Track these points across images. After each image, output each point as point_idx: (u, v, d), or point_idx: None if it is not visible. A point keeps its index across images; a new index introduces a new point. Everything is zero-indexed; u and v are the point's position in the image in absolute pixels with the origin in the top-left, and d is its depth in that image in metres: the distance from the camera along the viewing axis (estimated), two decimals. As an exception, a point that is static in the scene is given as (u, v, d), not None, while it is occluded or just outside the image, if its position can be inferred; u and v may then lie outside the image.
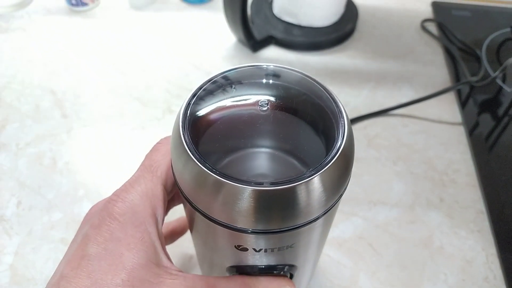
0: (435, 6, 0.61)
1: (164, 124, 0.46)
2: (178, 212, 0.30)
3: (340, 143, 0.19)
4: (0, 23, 0.59)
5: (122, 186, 0.22)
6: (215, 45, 0.56)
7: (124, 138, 0.45)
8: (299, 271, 0.26)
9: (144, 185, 0.22)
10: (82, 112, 0.47)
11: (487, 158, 0.41)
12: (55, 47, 0.56)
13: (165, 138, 0.25)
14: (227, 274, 0.25)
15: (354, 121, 0.46)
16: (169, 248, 0.37)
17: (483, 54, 0.52)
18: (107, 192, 0.39)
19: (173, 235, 0.32)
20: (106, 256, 0.20)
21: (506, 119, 0.45)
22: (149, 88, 0.50)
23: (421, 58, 0.54)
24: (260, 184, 0.18)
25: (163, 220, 0.24)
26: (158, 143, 0.25)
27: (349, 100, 0.48)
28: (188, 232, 0.36)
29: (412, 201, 0.39)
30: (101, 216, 0.21)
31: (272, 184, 0.18)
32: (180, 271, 0.22)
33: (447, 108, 0.48)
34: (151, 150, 0.25)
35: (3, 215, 0.38)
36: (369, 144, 0.44)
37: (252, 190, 0.17)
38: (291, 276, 0.25)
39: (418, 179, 0.41)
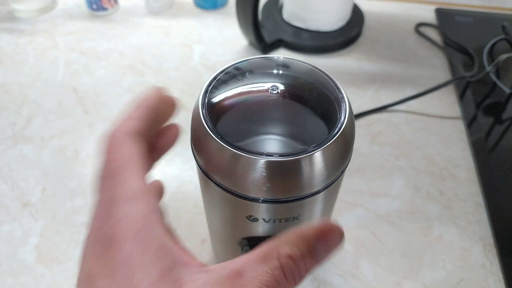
0: (438, 12, 0.63)
1: (179, 120, 0.49)
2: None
3: (341, 124, 0.22)
4: (26, 27, 0.63)
5: (101, 207, 0.19)
6: (227, 47, 0.59)
7: (141, 132, 0.47)
8: (305, 247, 0.28)
9: (127, 195, 0.18)
10: (102, 109, 0.50)
11: (486, 155, 0.43)
12: (77, 49, 0.59)
13: (114, 129, 0.21)
14: (239, 248, 0.27)
15: (358, 116, 0.48)
16: (182, 233, 0.39)
17: (484, 57, 0.54)
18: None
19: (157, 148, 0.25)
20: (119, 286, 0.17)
21: (504, 117, 0.47)
22: (164, 87, 0.53)
23: (424, 61, 0.57)
24: (270, 155, 0.20)
25: (161, 213, 0.19)
26: (109, 137, 0.21)
27: (355, 100, 0.51)
28: (201, 220, 0.39)
29: (413, 194, 0.41)
30: (98, 249, 0.18)
31: (281, 156, 0.20)
32: (202, 265, 0.19)
33: (448, 106, 0.50)
34: (108, 150, 0.20)
35: (29, 200, 0.41)
36: (372, 141, 0.46)
37: (264, 161, 0.20)
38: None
39: (419, 173, 0.43)
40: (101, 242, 0.18)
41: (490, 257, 0.37)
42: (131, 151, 0.20)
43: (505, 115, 0.47)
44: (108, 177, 0.19)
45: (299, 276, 0.17)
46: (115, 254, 0.17)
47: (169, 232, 0.20)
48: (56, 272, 0.36)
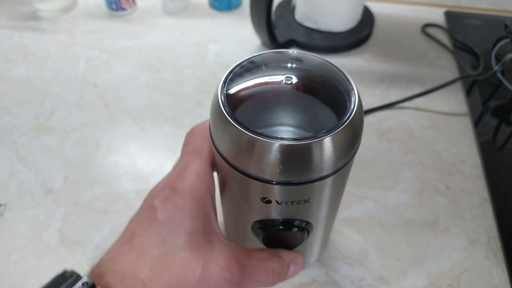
0: (447, 15, 0.64)
1: (194, 115, 0.51)
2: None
3: (351, 112, 0.23)
4: (48, 25, 0.66)
5: (176, 168, 0.27)
6: (241, 47, 0.61)
7: (158, 126, 0.50)
8: (314, 232, 0.30)
9: (196, 167, 0.26)
10: (121, 103, 0.53)
11: (492, 151, 0.44)
12: (96, 47, 0.62)
13: (197, 126, 0.29)
14: (251, 232, 0.29)
15: (367, 112, 0.50)
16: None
17: (492, 57, 0.55)
18: (143, 172, 0.44)
19: None
20: (172, 222, 0.24)
21: (510, 115, 0.48)
22: (180, 84, 0.55)
23: (433, 62, 0.58)
24: (284, 139, 0.22)
25: (214, 195, 0.28)
26: (192, 130, 0.29)
27: (364, 98, 0.52)
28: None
29: (420, 188, 0.43)
30: (166, 192, 0.25)
31: (293, 140, 0.22)
32: (226, 239, 0.27)
33: (455, 105, 0.51)
34: (188, 137, 0.29)
35: (52, 187, 0.43)
36: (381, 137, 0.48)
37: (278, 144, 0.22)
38: (308, 234, 0.29)
39: (426, 169, 0.44)
40: (170, 190, 0.25)
41: (494, 249, 0.38)
42: (205, 143, 0.27)
43: (511, 114, 0.48)
44: (190, 151, 0.27)
45: (279, 277, 0.27)
46: (177, 201, 0.25)
47: (215, 209, 0.27)
48: (77, 254, 0.38)
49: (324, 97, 0.26)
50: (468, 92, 0.52)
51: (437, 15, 0.66)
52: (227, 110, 0.24)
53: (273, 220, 0.27)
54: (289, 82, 0.25)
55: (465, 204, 0.41)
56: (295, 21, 0.62)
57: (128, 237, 0.24)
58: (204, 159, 0.27)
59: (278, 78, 0.26)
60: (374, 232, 0.39)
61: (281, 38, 0.59)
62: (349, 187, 0.43)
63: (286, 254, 0.28)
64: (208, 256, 0.24)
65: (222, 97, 0.24)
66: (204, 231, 0.25)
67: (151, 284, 0.22)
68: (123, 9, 0.66)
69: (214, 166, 0.28)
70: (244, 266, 0.25)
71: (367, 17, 0.63)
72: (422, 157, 0.45)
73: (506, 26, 0.56)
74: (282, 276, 0.27)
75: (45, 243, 0.39)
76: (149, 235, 0.23)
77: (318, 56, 0.27)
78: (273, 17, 0.61)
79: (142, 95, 0.54)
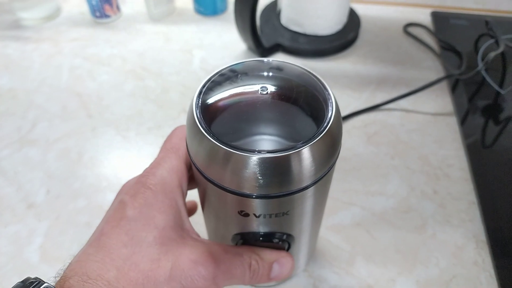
0: (434, 15, 0.64)
1: (179, 123, 0.50)
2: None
3: (328, 121, 0.23)
4: (31, 34, 0.65)
5: (150, 164, 0.27)
6: (226, 52, 0.60)
7: (142, 136, 0.49)
8: (297, 243, 0.29)
9: (170, 163, 0.26)
10: (105, 113, 0.52)
11: (479, 154, 0.44)
12: (80, 55, 0.61)
13: (180, 126, 0.29)
14: (233, 243, 0.28)
15: (352, 115, 0.50)
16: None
17: (479, 57, 0.55)
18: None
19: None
20: (141, 218, 0.23)
21: (496, 115, 0.48)
22: (165, 91, 0.54)
23: (420, 63, 0.58)
24: (260, 152, 0.21)
25: (186, 192, 0.27)
26: (174, 129, 0.29)
27: (351, 102, 0.52)
28: (198, 219, 0.40)
29: (407, 193, 0.42)
30: (136, 187, 0.25)
31: (270, 152, 0.21)
32: (199, 236, 0.26)
33: (441, 107, 0.51)
34: (169, 136, 0.29)
35: (33, 202, 0.42)
36: (368, 141, 0.47)
37: (254, 157, 0.21)
38: (289, 246, 0.28)
39: (413, 173, 0.44)
40: (140, 185, 0.25)
41: (483, 254, 0.37)
42: (183, 140, 0.27)
43: (497, 114, 0.48)
44: (167, 148, 0.27)
45: (257, 275, 0.26)
46: (147, 196, 0.24)
47: (185, 205, 0.27)
48: (59, 270, 0.37)
49: (302, 106, 0.25)
50: (453, 91, 0.52)
51: (423, 16, 0.66)
52: (202, 123, 0.23)
53: (253, 233, 0.27)
54: (264, 93, 0.24)
55: (453, 208, 0.41)
56: (281, 25, 0.62)
57: (96, 236, 0.23)
58: (180, 156, 0.27)
59: (255, 88, 0.25)
60: (362, 239, 0.39)
61: (266, 43, 0.58)
62: (336, 193, 0.42)
63: (268, 253, 0.27)
64: (179, 252, 0.23)
65: (197, 110, 0.24)
66: (175, 228, 0.24)
67: (117, 284, 0.21)
68: (107, 16, 0.66)
69: (189, 165, 0.28)
70: (219, 260, 0.24)
71: (353, 20, 0.63)
72: (409, 161, 0.45)
73: (486, 22, 0.56)
74: (262, 275, 0.26)
75: (26, 260, 0.38)
76: (117, 233, 0.23)
77: (298, 65, 0.27)
78: (258, 21, 0.61)
79: (126, 104, 0.53)
